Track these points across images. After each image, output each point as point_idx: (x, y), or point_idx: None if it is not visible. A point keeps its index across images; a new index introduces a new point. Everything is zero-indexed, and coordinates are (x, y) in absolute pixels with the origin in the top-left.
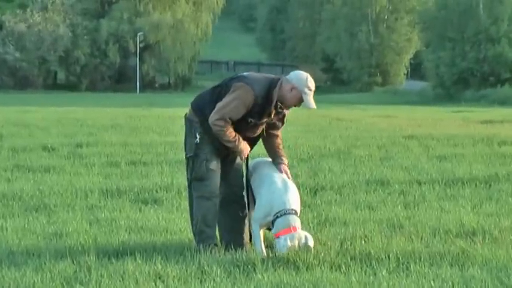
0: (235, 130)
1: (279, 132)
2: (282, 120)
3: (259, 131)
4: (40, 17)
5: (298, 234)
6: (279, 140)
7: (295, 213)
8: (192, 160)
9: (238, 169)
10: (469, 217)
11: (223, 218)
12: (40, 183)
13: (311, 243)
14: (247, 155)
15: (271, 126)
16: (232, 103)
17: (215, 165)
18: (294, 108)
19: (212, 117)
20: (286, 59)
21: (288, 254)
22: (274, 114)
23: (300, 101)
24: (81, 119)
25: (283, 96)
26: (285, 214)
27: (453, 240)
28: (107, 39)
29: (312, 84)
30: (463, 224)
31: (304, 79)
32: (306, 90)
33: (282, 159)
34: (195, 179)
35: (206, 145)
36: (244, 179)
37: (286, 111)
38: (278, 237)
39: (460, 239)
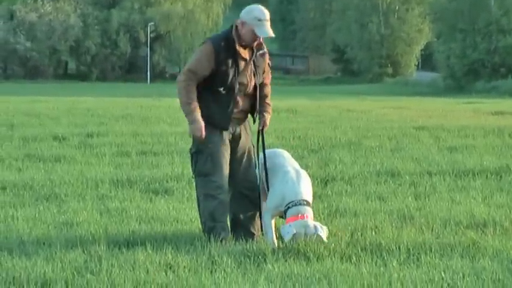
0: (232, 95)
1: (267, 81)
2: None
3: (250, 85)
4: (51, 6)
5: (305, 222)
6: (267, 90)
7: (307, 203)
8: (197, 155)
9: (249, 164)
10: (479, 208)
11: (234, 212)
12: (51, 173)
13: (323, 234)
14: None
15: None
16: (194, 58)
17: (221, 159)
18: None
19: (178, 77)
20: (297, 50)
21: (299, 244)
22: (250, 55)
23: (254, 34)
24: (92, 108)
25: (239, 35)
26: (295, 205)
27: (464, 231)
28: (117, 29)
29: (260, 13)
30: (474, 215)
31: (251, 11)
32: (255, 21)
33: (266, 111)
34: (201, 175)
35: (211, 137)
36: (257, 170)
37: (262, 51)
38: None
39: (471, 230)
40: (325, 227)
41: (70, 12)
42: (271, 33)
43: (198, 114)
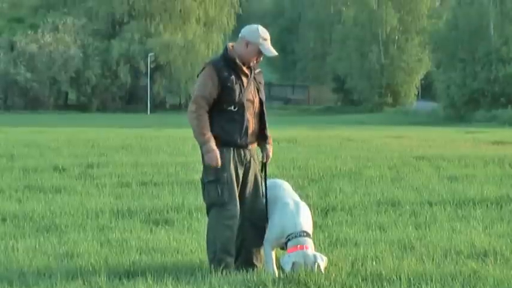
0: (244, 112)
1: (264, 108)
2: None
3: (256, 101)
4: (51, 37)
5: (304, 252)
6: (264, 120)
7: (307, 235)
8: (214, 184)
9: (257, 193)
10: (480, 238)
11: (240, 240)
12: (51, 204)
13: (321, 262)
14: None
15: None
16: (199, 84)
17: (235, 188)
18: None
19: (189, 107)
20: (297, 79)
21: (299, 274)
22: (249, 72)
23: (258, 53)
24: (92, 139)
25: (241, 55)
26: (295, 237)
27: (464, 261)
28: (117, 59)
29: (264, 33)
30: (475, 245)
31: (256, 31)
32: (261, 40)
33: (267, 143)
34: (217, 204)
35: (226, 166)
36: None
37: (258, 70)
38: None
39: (472, 260)
40: (325, 257)
41: (70, 43)
42: (275, 52)
43: (212, 143)
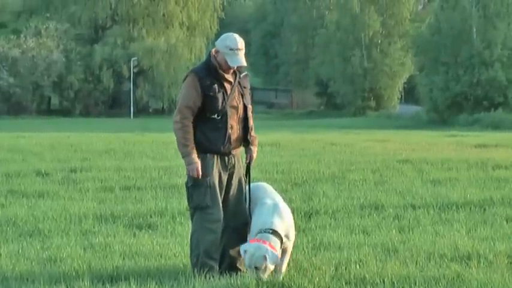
0: (227, 120)
1: (250, 112)
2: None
3: (240, 107)
4: (34, 42)
5: (259, 245)
6: (250, 122)
7: (273, 233)
8: (196, 188)
9: (240, 198)
10: (463, 241)
11: (223, 244)
12: (34, 209)
13: (269, 262)
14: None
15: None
16: (183, 93)
17: (218, 192)
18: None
19: (173, 117)
20: (280, 84)
21: (283, 278)
22: (234, 77)
23: (226, 62)
24: (75, 144)
25: (219, 62)
26: (261, 232)
27: (448, 264)
28: (100, 64)
29: (232, 42)
30: (458, 248)
31: (224, 39)
32: (227, 50)
33: (252, 144)
34: (199, 208)
35: (209, 170)
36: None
37: (244, 74)
38: None
39: (455, 263)
40: (282, 262)
41: (53, 48)
42: (243, 63)
43: (194, 155)
